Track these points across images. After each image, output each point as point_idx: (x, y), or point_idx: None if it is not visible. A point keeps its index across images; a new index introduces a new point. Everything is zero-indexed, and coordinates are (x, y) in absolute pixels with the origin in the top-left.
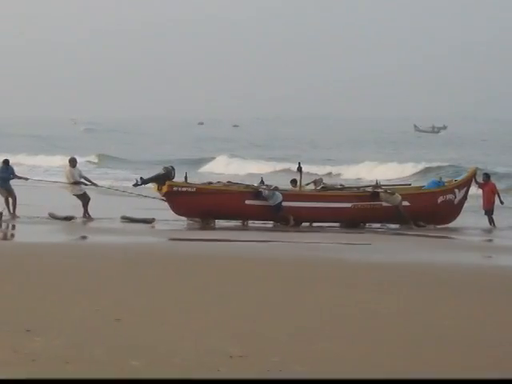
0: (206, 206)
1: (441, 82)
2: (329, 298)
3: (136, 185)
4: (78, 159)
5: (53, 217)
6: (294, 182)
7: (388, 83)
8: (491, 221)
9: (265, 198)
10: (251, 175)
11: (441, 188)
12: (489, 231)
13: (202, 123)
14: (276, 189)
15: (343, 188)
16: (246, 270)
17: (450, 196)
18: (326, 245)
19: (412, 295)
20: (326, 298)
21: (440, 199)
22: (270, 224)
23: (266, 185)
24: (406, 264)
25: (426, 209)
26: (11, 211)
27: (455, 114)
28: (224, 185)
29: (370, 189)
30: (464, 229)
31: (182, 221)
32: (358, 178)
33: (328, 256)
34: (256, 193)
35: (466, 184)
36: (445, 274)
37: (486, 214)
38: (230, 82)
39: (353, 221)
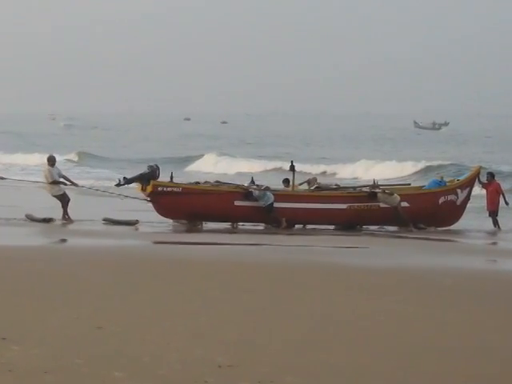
0: (192, 207)
1: (442, 76)
2: (323, 305)
3: (118, 185)
4: (57, 157)
5: (30, 218)
6: (286, 181)
7: (386, 77)
8: (496, 223)
9: (255, 199)
10: (241, 174)
11: (442, 188)
12: (493, 234)
13: (188, 119)
14: (267, 189)
15: (338, 188)
16: (235, 274)
17: (451, 196)
18: (321, 248)
19: (412, 302)
20: (320, 305)
21: (441, 200)
22: (260, 226)
23: (257, 185)
24: (406, 269)
25: (427, 210)
26: None
27: (457, 109)
28: (212, 185)
29: (366, 189)
30: (467, 231)
31: (168, 223)
32: (354, 178)
33: (322, 260)
34: (246, 193)
35: (468, 184)
36: (446, 280)
37: (490, 215)
38: (219, 76)
39: (349, 223)
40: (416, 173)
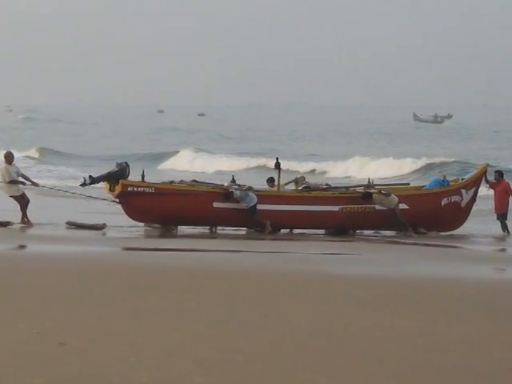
0: (166, 209)
1: (445, 64)
2: (311, 320)
3: (84, 184)
4: (16, 154)
5: None
6: (271, 180)
7: (383, 66)
8: (504, 227)
9: (236, 200)
10: (220, 173)
11: (445, 188)
12: (502, 239)
13: (161, 111)
14: (250, 189)
15: (329, 188)
16: (213, 285)
17: (455, 198)
18: (309, 256)
19: (411, 315)
20: (308, 319)
21: (444, 201)
22: (242, 231)
23: (238, 184)
24: (404, 279)
25: (428, 213)
26: None
27: (462, 100)
28: (188, 184)
29: (360, 189)
30: (472, 236)
31: (139, 227)
32: (347, 177)
33: (311, 269)
34: (226, 194)
35: (474, 183)
36: (450, 291)
37: (498, 218)
38: (196, 64)
39: (341, 227)
40: (416, 171)
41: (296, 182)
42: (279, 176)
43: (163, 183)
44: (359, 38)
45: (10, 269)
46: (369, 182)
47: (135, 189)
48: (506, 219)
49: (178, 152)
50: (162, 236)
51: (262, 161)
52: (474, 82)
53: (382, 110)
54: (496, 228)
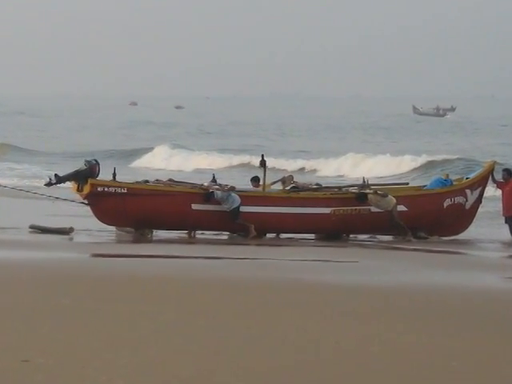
0: (140, 211)
1: (448, 52)
2: (300, 333)
3: (49, 184)
4: None
5: None
6: (255, 180)
7: (379, 54)
8: None
9: (217, 202)
10: (200, 171)
11: (448, 188)
12: (510, 245)
13: (135, 103)
14: (232, 189)
15: (320, 188)
16: (192, 295)
17: (459, 199)
18: (298, 263)
19: (411, 328)
20: (296, 332)
21: (447, 203)
22: (224, 235)
23: (220, 184)
24: (402, 288)
25: (429, 215)
26: None
27: (467, 91)
28: (164, 184)
29: (355, 189)
30: (478, 241)
31: (110, 231)
32: (340, 176)
33: (299, 277)
34: (206, 195)
35: (480, 183)
36: (453, 302)
37: (506, 221)
38: (172, 52)
39: (332, 231)
40: (415, 169)
41: (283, 181)
42: (265, 175)
43: (137, 183)
44: (352, 21)
45: None
46: (364, 181)
47: (106, 189)
48: None
49: (152, 148)
50: (136, 241)
51: (245, 158)
52: (481, 71)
53: (379, 101)
54: (504, 232)
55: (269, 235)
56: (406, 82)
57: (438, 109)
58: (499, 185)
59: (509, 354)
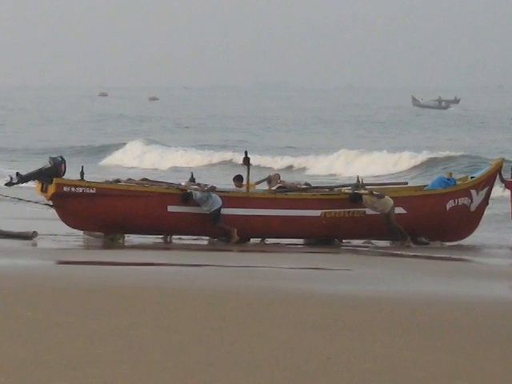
0: (111, 214)
1: (451, 38)
2: (287, 348)
3: (10, 183)
4: None
5: None
6: (238, 179)
7: (374, 39)
8: None
9: (196, 203)
10: (177, 169)
11: (451, 189)
12: None
13: (105, 94)
14: (212, 189)
15: (309, 188)
16: (169, 306)
17: (463, 200)
18: (285, 271)
19: (410, 344)
20: (284, 347)
21: (449, 204)
22: (204, 240)
23: (199, 184)
24: (401, 299)
25: (430, 218)
26: None
27: (472, 81)
28: (138, 184)
29: (348, 190)
30: (485, 247)
31: (77, 236)
32: (331, 175)
33: (287, 287)
34: (184, 195)
35: (486, 182)
36: (457, 314)
37: None
38: (146, 38)
39: (323, 236)
40: (415, 167)
41: (269, 180)
42: (248, 174)
43: (107, 182)
44: (344, 0)
45: None
46: (358, 180)
47: (73, 189)
48: None
49: (124, 144)
50: (106, 247)
51: (227, 155)
52: (488, 59)
53: (374, 92)
54: None
55: (253, 240)
56: (404, 70)
57: (440, 100)
58: (507, 184)
59: None
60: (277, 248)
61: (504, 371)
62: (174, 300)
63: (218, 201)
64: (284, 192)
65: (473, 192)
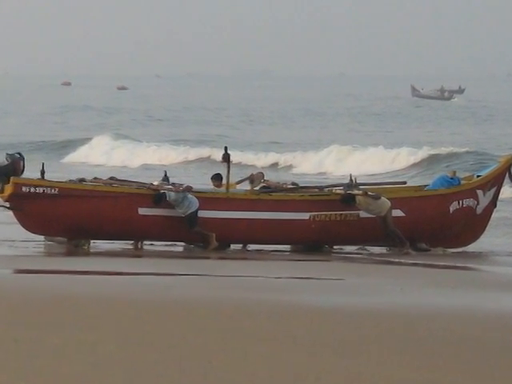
0: (75, 217)
1: (456, 22)
2: (272, 368)
3: None
4: None
5: None
6: (217, 178)
7: (368, 22)
8: None
9: (170, 205)
10: (148, 167)
11: (455, 189)
12: None
13: (68, 83)
14: (189, 190)
15: (297, 189)
16: (140, 320)
17: (469, 201)
18: (270, 281)
19: (408, 363)
20: (268, 366)
21: (453, 206)
22: (179, 247)
23: (173, 183)
24: (399, 312)
25: (431, 222)
26: None
27: (478, 69)
28: (105, 183)
29: (340, 190)
30: (492, 254)
31: (37, 241)
32: (321, 173)
33: (271, 299)
34: (156, 196)
35: (494, 182)
36: (461, 329)
37: None
38: (114, 23)
39: (312, 241)
40: (415, 165)
41: (251, 180)
42: (228, 172)
43: (70, 182)
44: None
45: None
46: (351, 180)
47: (32, 189)
48: None
49: (90, 139)
50: (70, 254)
51: (204, 151)
52: (496, 46)
53: (369, 81)
54: None
55: (233, 246)
56: (402, 56)
57: (442, 90)
58: None
59: None
60: (260, 255)
61: None
62: (145, 313)
63: (194, 202)
64: (268, 193)
65: (479, 193)
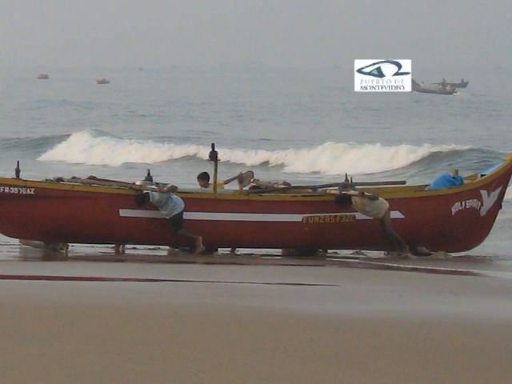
0: (52, 219)
1: (458, 11)
2: (262, 379)
3: None
4: None
5: None
6: (204, 177)
7: (364, 11)
8: None
9: (154, 206)
10: (130, 166)
11: (457, 189)
12: None
13: (45, 77)
14: (173, 190)
15: (289, 189)
16: (121, 329)
17: (472, 202)
18: (261, 287)
19: (407, 374)
20: (257, 379)
21: (455, 208)
22: (163, 250)
23: (157, 183)
24: (398, 321)
25: (432, 224)
26: None
27: (482, 61)
28: (84, 183)
29: (334, 190)
30: (497, 259)
31: (12, 245)
32: (315, 172)
33: (261, 306)
34: (139, 197)
35: (500, 182)
36: (464, 339)
37: None
38: (94, 11)
39: (306, 245)
40: (415, 164)
41: (240, 179)
42: (216, 171)
43: (47, 182)
44: None
45: None
46: (346, 179)
47: (6, 190)
48: None
49: (68, 136)
50: (47, 258)
51: (190, 149)
52: (501, 36)
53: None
54: None
55: (221, 250)
56: (401, 48)
57: (444, 84)
58: None
59: None
60: (250, 260)
61: None
62: (127, 322)
63: (179, 203)
64: (258, 193)
65: (483, 193)
